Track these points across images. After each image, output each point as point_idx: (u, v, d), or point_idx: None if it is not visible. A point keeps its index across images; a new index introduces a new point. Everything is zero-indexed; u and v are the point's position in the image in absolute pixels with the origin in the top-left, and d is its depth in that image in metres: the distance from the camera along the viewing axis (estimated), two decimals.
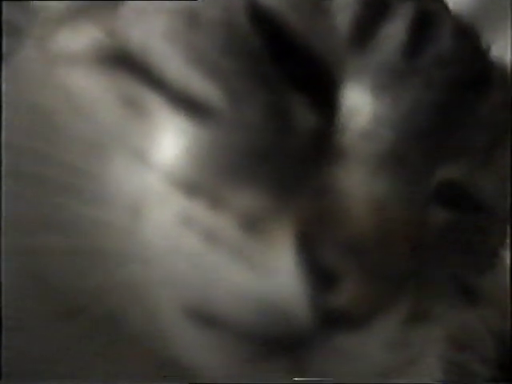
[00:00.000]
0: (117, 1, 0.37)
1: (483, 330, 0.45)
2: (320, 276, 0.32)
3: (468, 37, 0.39)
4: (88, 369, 0.37)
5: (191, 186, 0.33)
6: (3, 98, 0.38)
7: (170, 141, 0.34)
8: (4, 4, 0.41)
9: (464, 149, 0.38)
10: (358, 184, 0.33)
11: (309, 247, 0.32)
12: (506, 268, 0.47)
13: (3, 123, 0.38)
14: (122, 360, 0.37)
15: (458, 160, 0.37)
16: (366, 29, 0.35)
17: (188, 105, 0.34)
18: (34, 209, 0.36)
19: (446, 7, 0.40)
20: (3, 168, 0.37)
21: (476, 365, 0.44)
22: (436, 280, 0.36)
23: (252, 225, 0.32)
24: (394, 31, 0.36)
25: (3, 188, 0.36)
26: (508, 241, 0.44)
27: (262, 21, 0.35)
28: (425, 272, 0.35)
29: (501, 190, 0.40)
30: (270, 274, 0.32)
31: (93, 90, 0.36)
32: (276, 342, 0.32)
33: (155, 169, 0.34)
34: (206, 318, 0.33)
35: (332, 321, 0.32)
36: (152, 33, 0.35)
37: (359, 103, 0.35)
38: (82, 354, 0.37)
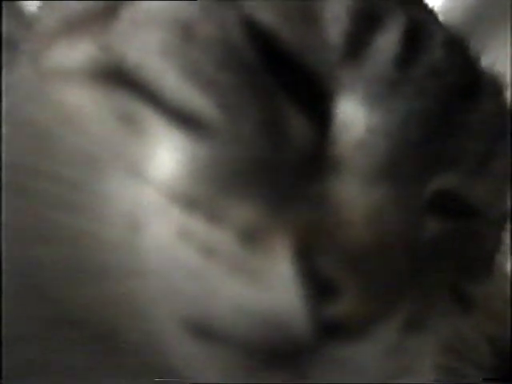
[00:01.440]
0: (111, 15, 0.37)
1: (478, 337, 0.45)
2: (318, 287, 0.32)
3: (458, 47, 0.39)
4: (85, 379, 0.37)
5: (188, 200, 0.33)
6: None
7: (167, 155, 0.34)
8: None
9: (458, 158, 0.38)
10: (354, 194, 0.34)
11: (307, 258, 0.32)
12: (502, 275, 0.48)
13: None
14: (120, 372, 0.37)
15: (451, 169, 0.38)
16: (357, 40, 0.36)
17: (184, 119, 0.34)
18: (30, 222, 0.36)
19: (435, 18, 0.40)
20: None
21: (471, 372, 0.44)
22: (432, 288, 0.37)
23: (250, 237, 0.32)
24: (386, 42, 0.36)
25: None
26: (504, 247, 0.44)
27: (257, 35, 0.35)
28: (421, 280, 0.35)
29: (495, 198, 0.40)
30: (268, 286, 0.32)
31: (88, 106, 0.36)
32: (275, 353, 0.32)
33: (152, 183, 0.34)
34: (204, 331, 0.33)
35: (331, 331, 0.32)
36: (147, 48, 0.35)
37: (353, 114, 0.35)
38: (80, 364, 0.37)
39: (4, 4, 0.41)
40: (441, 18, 0.40)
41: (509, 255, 0.46)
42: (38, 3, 0.43)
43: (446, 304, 0.38)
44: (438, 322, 0.37)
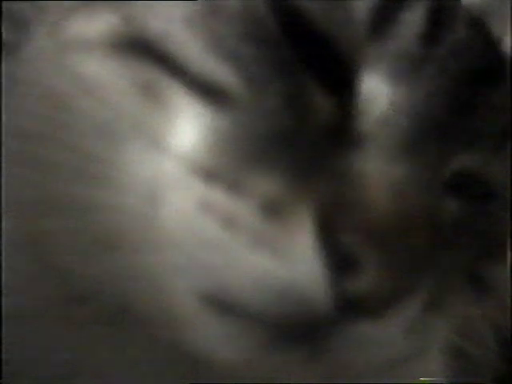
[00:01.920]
0: None
1: (486, 324, 0.45)
2: (339, 261, 0.32)
3: (481, 27, 0.39)
4: (100, 355, 0.37)
5: (209, 172, 0.33)
6: (18, 85, 0.38)
7: (188, 127, 0.34)
8: None
9: (477, 137, 0.38)
10: (376, 169, 0.33)
11: (328, 232, 0.32)
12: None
13: (12, 109, 0.37)
14: (135, 347, 0.36)
15: (471, 148, 0.38)
16: (383, 17, 0.35)
17: (206, 90, 0.34)
18: (47, 194, 0.36)
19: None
20: (17, 154, 0.36)
21: (480, 354, 0.44)
22: (450, 268, 0.37)
23: (271, 210, 0.32)
24: (412, 20, 0.36)
25: (17, 173, 0.36)
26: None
27: (281, 7, 0.35)
28: (441, 260, 0.35)
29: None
30: (289, 259, 0.32)
31: (108, 77, 0.35)
32: (294, 328, 0.32)
33: (173, 155, 0.34)
34: (223, 305, 0.33)
35: (351, 307, 0.32)
36: (170, 19, 0.35)
37: (377, 90, 0.35)
38: (94, 339, 0.37)
39: None
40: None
41: None
42: None
43: (462, 286, 0.38)
44: (454, 303, 0.37)
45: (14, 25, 0.42)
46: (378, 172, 0.33)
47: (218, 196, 0.33)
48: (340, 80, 0.35)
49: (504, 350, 0.48)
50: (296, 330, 0.32)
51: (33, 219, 0.36)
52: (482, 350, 0.44)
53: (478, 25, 0.39)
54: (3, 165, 0.37)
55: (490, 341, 0.47)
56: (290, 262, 0.32)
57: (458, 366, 0.42)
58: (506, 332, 0.48)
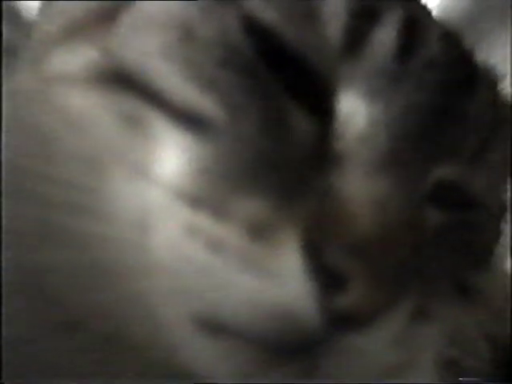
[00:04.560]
0: (111, 18, 0.37)
1: (477, 334, 0.45)
2: (326, 279, 0.32)
3: (453, 40, 0.40)
4: (91, 380, 0.37)
5: (195, 198, 0.34)
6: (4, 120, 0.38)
7: (172, 155, 0.34)
8: None
9: (456, 148, 0.38)
10: (358, 187, 0.34)
11: (314, 251, 0.32)
12: (502, 272, 0.48)
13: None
14: (127, 371, 0.37)
15: (451, 160, 0.38)
16: (356, 36, 0.36)
17: (187, 119, 0.35)
18: (36, 227, 0.36)
19: (429, 14, 0.41)
20: (3, 187, 0.37)
21: (471, 364, 0.44)
22: (435, 279, 0.37)
23: (257, 232, 0.33)
24: (384, 37, 0.36)
25: (4, 207, 0.37)
26: (504, 239, 0.44)
27: (256, 33, 0.36)
28: (425, 271, 0.35)
29: (494, 188, 0.41)
30: (278, 279, 0.32)
31: (91, 109, 0.36)
32: (286, 346, 0.33)
33: (158, 183, 0.34)
34: (215, 327, 0.33)
35: (340, 322, 0.32)
36: (147, 50, 0.36)
37: (354, 108, 0.36)
38: (87, 365, 0.37)
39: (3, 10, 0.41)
40: (436, 13, 0.41)
41: (508, 248, 0.46)
42: (37, 6, 0.43)
43: (449, 295, 0.39)
44: (442, 313, 0.38)
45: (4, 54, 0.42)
46: (359, 189, 0.34)
47: (205, 221, 0.33)
48: (317, 100, 0.36)
49: (497, 358, 0.48)
50: (288, 346, 0.33)
51: (26, 251, 0.37)
52: (474, 358, 0.45)
53: (451, 38, 0.39)
54: None
55: (482, 348, 0.47)
56: (279, 281, 0.32)
57: (451, 375, 0.42)
58: (497, 339, 0.48)
